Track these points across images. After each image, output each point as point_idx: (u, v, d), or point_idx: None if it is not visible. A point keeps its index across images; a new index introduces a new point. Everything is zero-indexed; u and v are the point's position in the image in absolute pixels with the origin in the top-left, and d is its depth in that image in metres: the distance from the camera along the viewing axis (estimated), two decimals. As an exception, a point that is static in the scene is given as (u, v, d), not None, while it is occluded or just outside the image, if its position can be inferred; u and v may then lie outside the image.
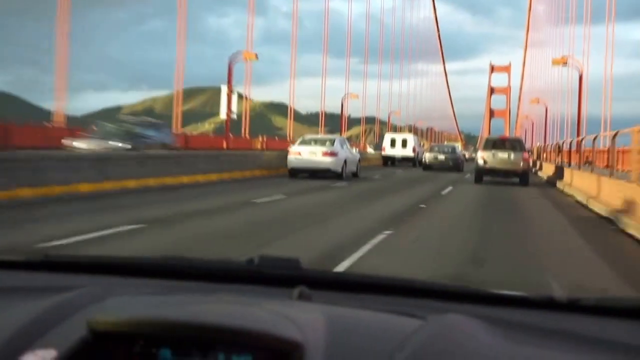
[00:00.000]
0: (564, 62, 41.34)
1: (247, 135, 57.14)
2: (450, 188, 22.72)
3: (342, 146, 27.29)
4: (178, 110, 54.82)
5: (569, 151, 30.41)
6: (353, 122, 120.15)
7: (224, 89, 36.98)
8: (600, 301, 1.53)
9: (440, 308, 1.44)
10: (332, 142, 27.01)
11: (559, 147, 32.39)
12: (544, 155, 42.90)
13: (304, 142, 27.32)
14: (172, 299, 1.40)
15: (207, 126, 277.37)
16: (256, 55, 42.21)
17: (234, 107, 36.75)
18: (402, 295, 1.55)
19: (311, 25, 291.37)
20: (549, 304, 1.49)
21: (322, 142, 27.06)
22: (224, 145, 39.20)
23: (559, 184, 25.53)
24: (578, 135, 33.72)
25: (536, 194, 22.14)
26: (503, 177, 27.01)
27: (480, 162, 26.78)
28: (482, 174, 26.92)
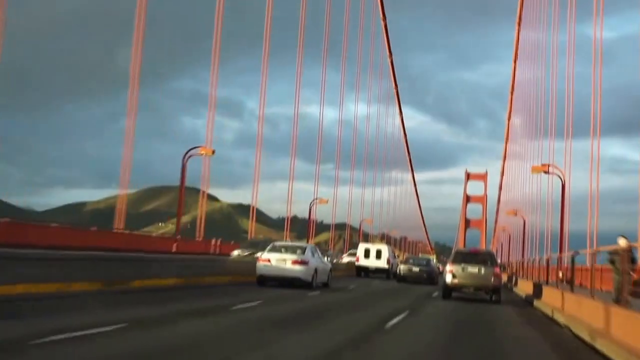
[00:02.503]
0: (545, 171, 40.52)
1: (201, 237, 52.18)
2: (405, 313, 18.06)
3: (313, 254, 27.31)
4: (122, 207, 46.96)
5: (547, 267, 30.37)
6: (324, 228, 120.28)
7: None
8: None
9: None
10: (303, 250, 27.08)
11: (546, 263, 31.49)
12: (522, 271, 43.09)
13: (274, 249, 27.29)
14: None
15: (171, 226, 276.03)
16: (213, 151, 42.14)
17: None
18: None
19: (287, 129, 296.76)
20: None
21: (293, 250, 27.11)
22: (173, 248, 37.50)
23: (544, 308, 22.83)
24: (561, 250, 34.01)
25: (518, 321, 19.34)
26: (473, 294, 26.56)
27: (449, 276, 25.91)
28: (450, 289, 26.25)
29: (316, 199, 64.53)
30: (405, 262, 46.03)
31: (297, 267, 26.01)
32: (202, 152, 41.43)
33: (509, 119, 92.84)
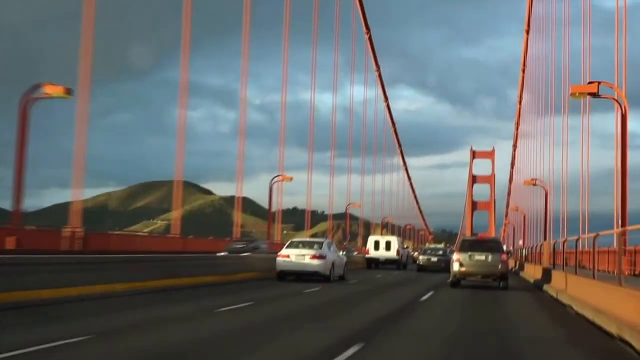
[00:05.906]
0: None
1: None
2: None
3: (329, 249, 30.57)
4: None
5: (553, 251, 32.54)
6: (322, 218, 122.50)
7: None
8: None
9: None
10: (320, 245, 30.39)
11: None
12: (530, 256, 45.90)
13: (292, 245, 30.56)
14: None
15: (159, 223, 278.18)
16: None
17: None
18: None
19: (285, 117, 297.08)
20: None
21: (310, 245, 30.39)
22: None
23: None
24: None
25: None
26: (481, 280, 28.67)
27: (456, 265, 27.90)
28: (459, 278, 28.31)
29: (277, 176, 61.65)
30: (424, 252, 51.25)
31: (315, 262, 29.20)
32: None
33: (520, 96, 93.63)
